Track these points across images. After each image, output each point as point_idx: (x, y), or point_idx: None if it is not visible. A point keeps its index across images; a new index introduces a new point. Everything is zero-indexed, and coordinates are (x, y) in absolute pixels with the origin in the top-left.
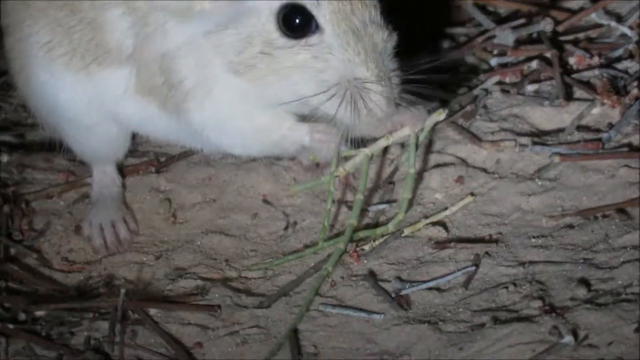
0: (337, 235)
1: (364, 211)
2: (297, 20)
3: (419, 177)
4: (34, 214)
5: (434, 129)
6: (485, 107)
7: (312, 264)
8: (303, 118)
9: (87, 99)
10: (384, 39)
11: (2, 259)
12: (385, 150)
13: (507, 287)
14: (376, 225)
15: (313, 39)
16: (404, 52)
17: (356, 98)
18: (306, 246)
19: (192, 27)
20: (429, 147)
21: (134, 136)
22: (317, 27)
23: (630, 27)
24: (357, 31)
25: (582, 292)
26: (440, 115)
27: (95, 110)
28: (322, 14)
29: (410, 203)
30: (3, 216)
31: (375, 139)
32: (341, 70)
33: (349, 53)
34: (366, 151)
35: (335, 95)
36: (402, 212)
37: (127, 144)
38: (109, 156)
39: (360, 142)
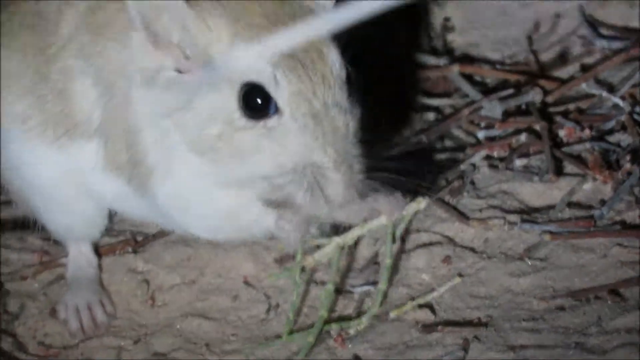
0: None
1: (348, 293)
2: (258, 100)
3: (406, 256)
4: (8, 295)
5: (415, 214)
6: (472, 182)
7: (295, 349)
8: (271, 203)
9: (61, 174)
10: (346, 123)
11: None
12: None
13: None
14: (360, 309)
15: (272, 121)
16: (383, 127)
17: (314, 184)
18: (291, 330)
19: (156, 101)
20: (415, 225)
21: (112, 214)
22: (277, 109)
23: (622, 98)
24: (317, 114)
25: None
26: (420, 204)
27: (69, 185)
28: (281, 96)
29: (386, 295)
30: None
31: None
32: (298, 154)
33: (306, 137)
34: (338, 240)
35: (292, 181)
36: (377, 305)
37: (104, 221)
38: (86, 235)
39: (334, 229)
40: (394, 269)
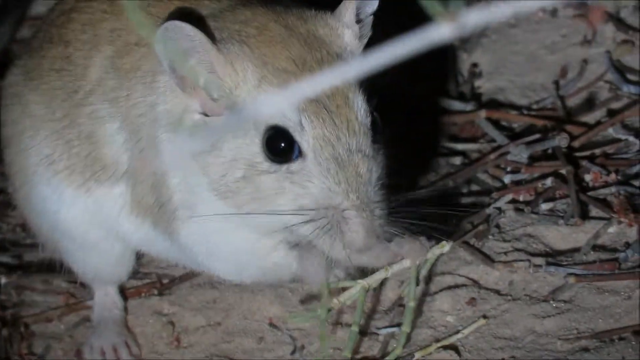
0: None
1: (373, 335)
2: (282, 145)
3: (430, 298)
4: (34, 337)
5: (439, 257)
6: (497, 226)
7: None
8: (295, 245)
9: (89, 216)
10: (369, 169)
11: None
12: None
13: None
14: (384, 351)
15: (295, 165)
16: (409, 171)
17: (335, 227)
18: None
19: (181, 144)
20: (440, 268)
21: (138, 256)
22: (300, 153)
23: None
24: (340, 160)
25: None
26: (444, 247)
27: (96, 227)
28: (306, 140)
29: (410, 337)
30: (2, 340)
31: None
32: (320, 198)
33: (329, 181)
34: (363, 283)
35: (314, 225)
36: (400, 347)
37: (131, 264)
38: (113, 277)
39: (361, 271)
40: (419, 311)
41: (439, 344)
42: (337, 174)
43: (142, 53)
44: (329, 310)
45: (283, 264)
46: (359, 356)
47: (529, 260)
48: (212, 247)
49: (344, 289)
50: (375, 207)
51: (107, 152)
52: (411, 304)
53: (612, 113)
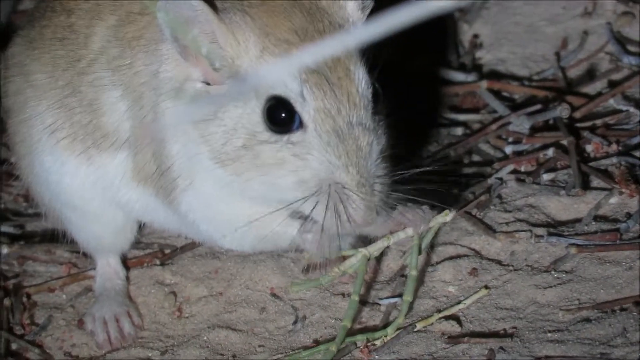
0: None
1: (375, 305)
2: (282, 115)
3: (432, 269)
4: (36, 307)
5: (442, 226)
6: (499, 196)
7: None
8: (295, 214)
9: (90, 185)
10: (369, 142)
11: (3, 354)
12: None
13: None
14: (386, 321)
15: (295, 136)
16: (411, 142)
17: (336, 203)
18: (316, 341)
19: (183, 112)
20: (442, 239)
21: (140, 226)
22: (301, 124)
23: None
24: (340, 133)
25: None
26: (447, 216)
27: (99, 196)
28: (307, 111)
29: (412, 306)
30: (4, 310)
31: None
32: (320, 171)
33: (329, 154)
34: (364, 252)
35: (315, 199)
36: (402, 317)
37: (132, 234)
38: (115, 246)
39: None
40: (421, 281)
41: (440, 314)
42: (337, 147)
43: (144, 22)
44: (330, 278)
45: (282, 233)
46: (360, 326)
47: (530, 231)
48: (211, 216)
49: (345, 258)
50: (376, 182)
51: (108, 120)
52: (413, 273)
53: (612, 84)
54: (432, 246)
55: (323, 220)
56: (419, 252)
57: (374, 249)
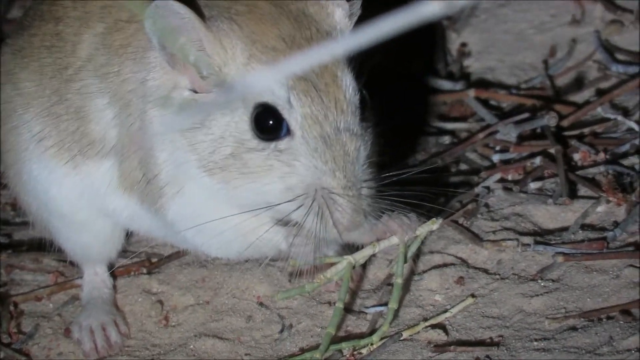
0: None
1: (362, 313)
2: (270, 122)
3: (419, 277)
4: (23, 316)
5: (428, 235)
6: (486, 205)
7: None
8: (281, 222)
9: (78, 194)
10: (356, 148)
11: None
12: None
13: None
14: (372, 329)
15: (283, 143)
16: (398, 150)
17: (323, 208)
18: (302, 350)
19: (170, 120)
20: (428, 247)
21: (127, 235)
22: (289, 131)
23: (638, 122)
24: (327, 138)
25: None
26: (433, 224)
27: (86, 205)
28: (294, 118)
29: (396, 314)
30: None
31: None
32: (307, 177)
33: (316, 160)
34: (349, 259)
35: (302, 205)
36: (387, 324)
37: (120, 242)
38: (102, 255)
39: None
40: (407, 289)
41: (427, 323)
42: (324, 152)
43: (132, 30)
44: (316, 286)
45: (268, 240)
46: (346, 334)
47: (517, 240)
48: (198, 223)
49: (330, 265)
50: (363, 187)
51: (95, 127)
52: (399, 281)
53: (600, 92)
54: (418, 255)
55: (309, 226)
56: (405, 261)
57: (360, 257)
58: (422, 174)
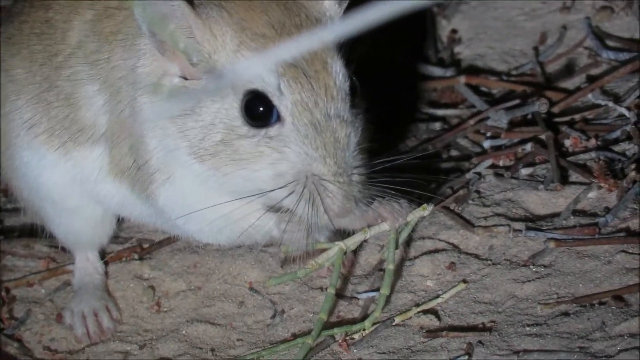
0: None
1: (354, 299)
2: (260, 109)
3: (410, 263)
4: (15, 302)
5: (420, 220)
6: (478, 191)
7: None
8: (273, 208)
9: (69, 179)
10: (347, 134)
11: None
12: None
13: None
14: (365, 315)
15: (273, 129)
16: (389, 137)
17: (314, 194)
18: (294, 335)
19: (160, 107)
20: (420, 233)
21: (119, 221)
22: (279, 118)
23: (628, 108)
24: (317, 125)
25: None
26: (424, 210)
27: (77, 191)
28: (284, 105)
29: (388, 300)
30: None
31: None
32: (298, 164)
33: (306, 147)
34: (340, 244)
35: (293, 191)
36: (379, 310)
37: (111, 228)
38: (93, 241)
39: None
40: (400, 275)
41: (419, 309)
42: (314, 139)
43: (122, 16)
44: (307, 271)
45: (259, 226)
46: (339, 320)
47: (509, 225)
48: (188, 210)
49: (322, 251)
50: (353, 173)
51: (85, 114)
52: (390, 267)
53: (591, 79)
54: (410, 240)
55: (300, 212)
56: (396, 247)
57: (351, 243)
58: (413, 161)
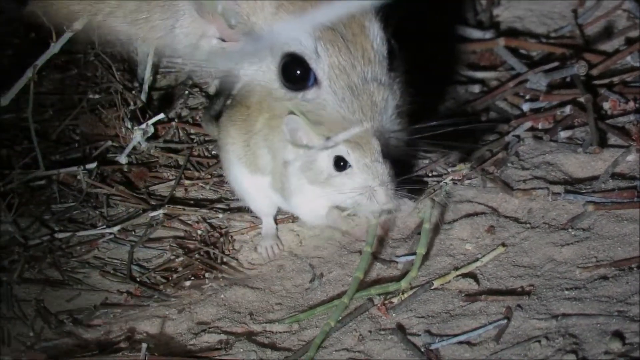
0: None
1: (392, 262)
2: (297, 72)
3: (449, 226)
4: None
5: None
6: (517, 154)
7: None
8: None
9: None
10: (384, 97)
11: None
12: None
13: (539, 341)
14: (403, 277)
15: (310, 92)
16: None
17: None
18: (332, 299)
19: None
20: (459, 196)
21: None
22: (316, 81)
23: None
24: (354, 88)
25: (616, 346)
26: (465, 167)
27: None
28: (321, 68)
29: (425, 259)
30: None
31: None
32: (335, 126)
33: (343, 110)
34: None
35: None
36: (415, 270)
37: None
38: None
39: None
40: (438, 239)
41: (457, 272)
42: (352, 102)
43: None
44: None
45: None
46: (379, 284)
47: (547, 188)
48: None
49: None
50: (391, 136)
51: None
52: (426, 227)
53: (630, 41)
54: (448, 204)
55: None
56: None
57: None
58: (453, 123)
